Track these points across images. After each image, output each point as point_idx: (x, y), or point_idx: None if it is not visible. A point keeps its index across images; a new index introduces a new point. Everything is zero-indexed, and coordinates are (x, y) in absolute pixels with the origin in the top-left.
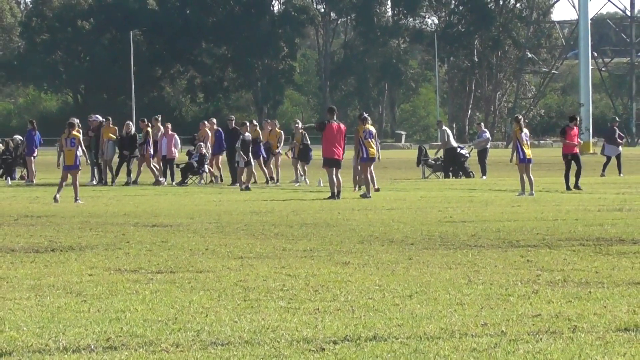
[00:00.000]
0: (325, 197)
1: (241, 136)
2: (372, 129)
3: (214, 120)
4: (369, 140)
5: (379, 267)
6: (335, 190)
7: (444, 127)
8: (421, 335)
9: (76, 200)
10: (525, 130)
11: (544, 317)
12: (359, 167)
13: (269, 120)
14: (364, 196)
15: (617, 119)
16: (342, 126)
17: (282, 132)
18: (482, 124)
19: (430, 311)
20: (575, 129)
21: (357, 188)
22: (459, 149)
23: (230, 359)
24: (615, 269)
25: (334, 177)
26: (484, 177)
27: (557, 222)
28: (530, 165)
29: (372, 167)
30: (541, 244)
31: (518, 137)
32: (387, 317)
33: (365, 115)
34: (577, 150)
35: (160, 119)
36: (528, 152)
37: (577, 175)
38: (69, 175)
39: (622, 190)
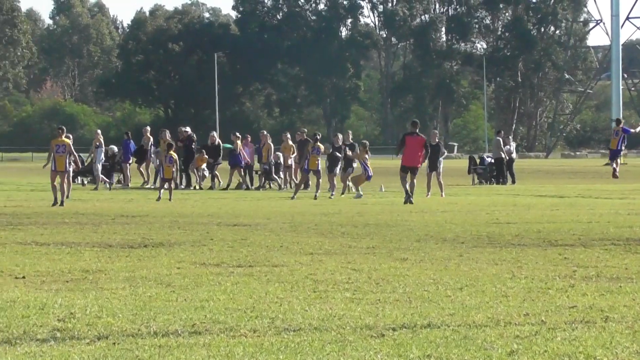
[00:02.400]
0: (401, 201)
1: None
2: (321, 146)
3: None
4: (315, 155)
5: (433, 263)
6: (410, 192)
7: (499, 137)
8: (470, 324)
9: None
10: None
11: (579, 308)
12: (300, 175)
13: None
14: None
15: None
16: (423, 137)
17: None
18: (511, 137)
19: (479, 302)
20: None
21: (429, 194)
22: (489, 159)
23: (301, 343)
24: None
25: (414, 181)
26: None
27: (591, 224)
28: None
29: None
30: (577, 244)
31: (362, 159)
32: (440, 307)
33: (318, 135)
34: None
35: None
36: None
37: None
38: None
39: None
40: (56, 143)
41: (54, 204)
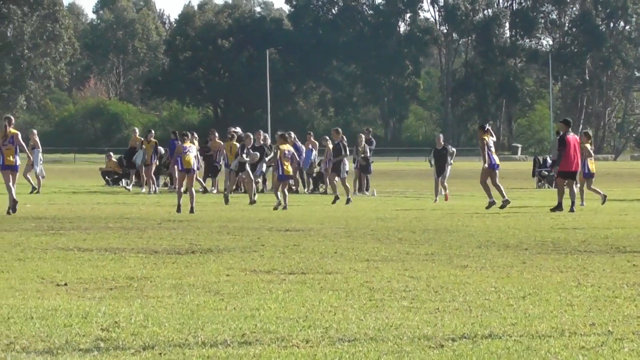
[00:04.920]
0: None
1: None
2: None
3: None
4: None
5: (495, 270)
6: (573, 201)
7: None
8: (533, 334)
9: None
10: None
11: None
12: (484, 175)
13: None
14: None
15: None
16: (577, 138)
17: (316, 142)
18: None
19: (542, 311)
20: None
21: (437, 199)
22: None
23: (356, 354)
24: None
25: (574, 189)
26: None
27: None
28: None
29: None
30: None
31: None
32: (502, 316)
33: (487, 125)
34: None
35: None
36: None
37: None
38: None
39: None
40: (185, 144)
41: (178, 211)
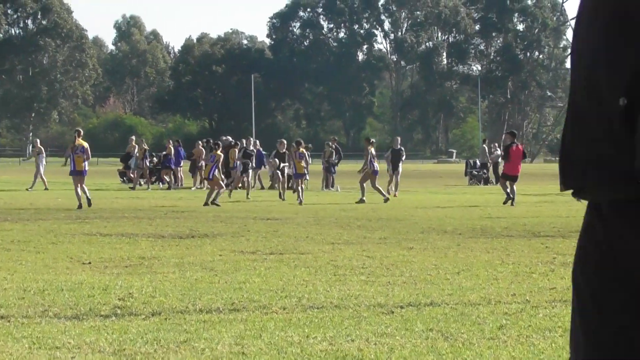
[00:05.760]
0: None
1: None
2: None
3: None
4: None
5: (435, 251)
6: (513, 197)
7: (484, 145)
8: (466, 302)
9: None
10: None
11: (558, 290)
12: (368, 178)
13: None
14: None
15: None
16: (521, 147)
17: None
18: (496, 144)
19: (473, 284)
20: None
21: (396, 193)
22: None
23: (323, 319)
24: None
25: (514, 188)
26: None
27: (569, 218)
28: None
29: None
30: (557, 235)
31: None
32: (440, 288)
33: (373, 140)
34: None
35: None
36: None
37: None
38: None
39: None
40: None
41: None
